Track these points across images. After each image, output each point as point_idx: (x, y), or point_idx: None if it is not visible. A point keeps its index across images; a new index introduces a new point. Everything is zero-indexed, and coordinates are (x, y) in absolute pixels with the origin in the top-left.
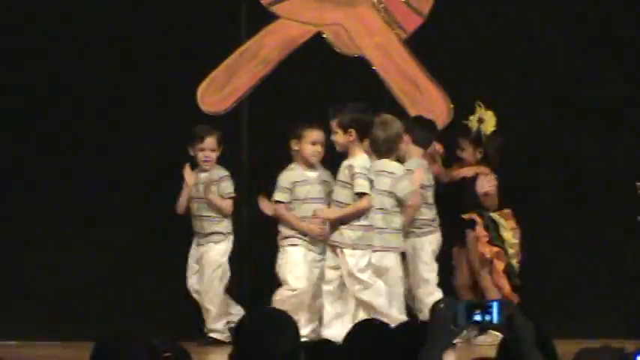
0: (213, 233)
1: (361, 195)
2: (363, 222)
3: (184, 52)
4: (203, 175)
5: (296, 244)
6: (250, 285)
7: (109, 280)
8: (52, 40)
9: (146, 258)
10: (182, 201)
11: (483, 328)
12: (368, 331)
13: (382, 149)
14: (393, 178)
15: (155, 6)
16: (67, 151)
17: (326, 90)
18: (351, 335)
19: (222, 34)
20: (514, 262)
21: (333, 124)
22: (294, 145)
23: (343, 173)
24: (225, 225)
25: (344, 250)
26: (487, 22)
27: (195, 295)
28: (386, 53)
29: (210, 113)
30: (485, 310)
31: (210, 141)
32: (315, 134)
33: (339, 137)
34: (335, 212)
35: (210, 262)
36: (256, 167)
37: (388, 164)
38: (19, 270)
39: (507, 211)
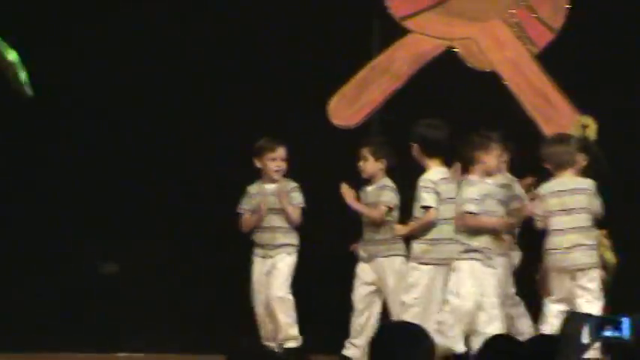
0: (284, 245)
1: (426, 208)
2: (428, 236)
3: (316, 67)
4: (271, 186)
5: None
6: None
7: (162, 293)
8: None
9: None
10: (254, 218)
11: (612, 343)
12: (500, 345)
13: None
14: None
15: (287, 21)
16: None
17: (456, 104)
18: (483, 350)
19: (354, 49)
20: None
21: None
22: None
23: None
24: (295, 236)
25: (410, 262)
26: (617, 38)
27: (260, 309)
28: (517, 68)
29: (341, 127)
30: (616, 325)
31: (281, 151)
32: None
33: (413, 150)
34: (405, 228)
35: (284, 273)
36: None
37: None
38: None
39: (605, 230)
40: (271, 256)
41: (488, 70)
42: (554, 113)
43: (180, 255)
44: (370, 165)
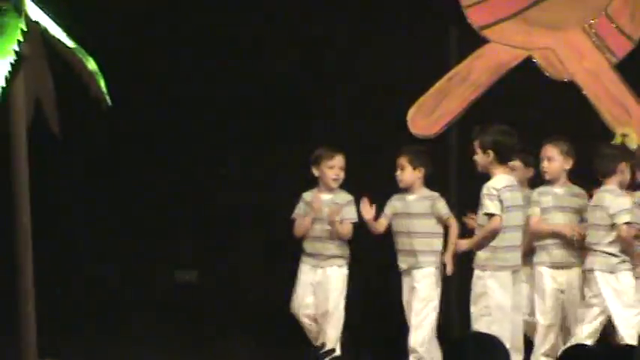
0: (335, 256)
1: (490, 216)
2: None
3: (394, 77)
4: (327, 196)
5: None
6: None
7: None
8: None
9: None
10: (307, 223)
11: None
12: (578, 356)
13: None
14: None
15: (366, 28)
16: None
17: (535, 114)
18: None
19: (432, 58)
20: None
21: (475, 143)
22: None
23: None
24: (346, 248)
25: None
26: None
27: (304, 319)
28: (596, 78)
29: (419, 137)
30: None
31: (340, 159)
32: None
33: (479, 157)
34: (468, 243)
35: (338, 285)
36: (464, 190)
37: None
38: None
39: None
40: (322, 267)
41: (566, 80)
42: (634, 123)
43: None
44: (408, 174)
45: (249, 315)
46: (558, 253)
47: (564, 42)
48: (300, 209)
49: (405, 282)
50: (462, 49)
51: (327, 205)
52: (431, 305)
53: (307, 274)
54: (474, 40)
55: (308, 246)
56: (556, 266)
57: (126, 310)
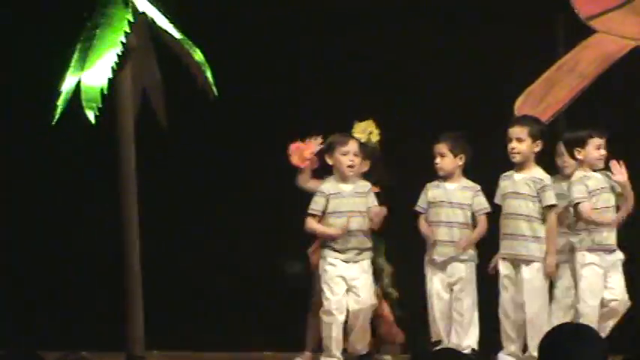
0: (366, 249)
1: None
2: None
3: (501, 66)
4: (348, 187)
5: None
6: None
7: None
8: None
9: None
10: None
11: None
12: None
13: None
14: None
15: (473, 18)
16: None
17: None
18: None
19: (539, 47)
20: None
21: (442, 147)
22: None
23: (529, 186)
24: (371, 239)
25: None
26: None
27: (337, 314)
28: None
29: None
30: None
31: (353, 144)
32: None
33: (449, 161)
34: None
35: (371, 281)
36: None
37: None
38: None
39: None
40: (356, 261)
41: None
42: None
43: None
44: (448, 162)
45: None
46: None
47: None
48: (318, 205)
49: (437, 274)
50: (570, 38)
51: (350, 196)
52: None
53: (339, 270)
54: (582, 29)
55: (338, 241)
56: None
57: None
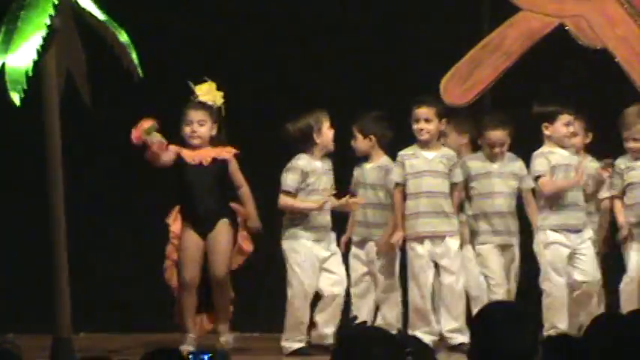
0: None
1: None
2: None
3: (427, 45)
4: (322, 163)
5: None
6: None
7: None
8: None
9: None
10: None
11: None
12: (608, 324)
13: None
14: None
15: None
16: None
17: (568, 82)
18: (591, 329)
19: (465, 27)
20: None
21: (355, 129)
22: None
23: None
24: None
25: None
26: None
27: (308, 297)
28: (628, 45)
29: (452, 105)
30: None
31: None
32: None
33: (360, 142)
34: None
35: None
36: None
37: None
38: None
39: None
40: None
41: (599, 48)
42: None
43: None
44: (360, 143)
45: None
46: None
47: (596, 9)
48: (294, 181)
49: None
50: (495, 17)
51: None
52: None
53: (312, 250)
54: (507, 8)
55: (313, 220)
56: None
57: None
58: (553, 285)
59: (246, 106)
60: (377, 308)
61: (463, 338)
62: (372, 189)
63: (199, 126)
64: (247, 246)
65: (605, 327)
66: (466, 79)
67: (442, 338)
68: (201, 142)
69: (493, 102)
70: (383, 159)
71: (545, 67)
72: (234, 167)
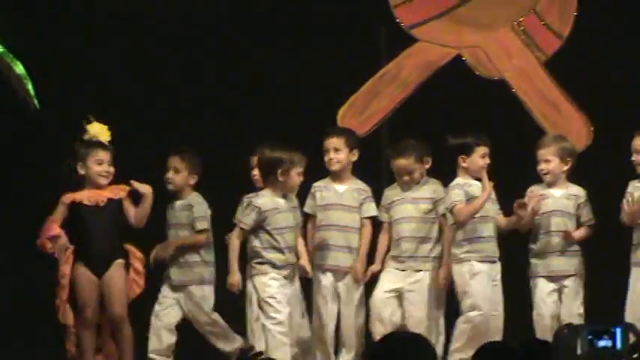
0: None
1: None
2: None
3: (324, 76)
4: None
5: None
6: None
7: None
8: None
9: None
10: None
11: (606, 356)
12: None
13: None
14: None
15: (294, 29)
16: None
17: (465, 113)
18: (479, 357)
19: (362, 58)
20: None
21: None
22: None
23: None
24: None
25: None
26: (627, 44)
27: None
28: (525, 76)
29: None
30: (610, 336)
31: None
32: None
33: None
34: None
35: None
36: None
37: None
38: None
39: None
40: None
41: (496, 79)
42: (563, 121)
43: None
44: (181, 177)
45: None
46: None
47: (493, 40)
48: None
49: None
50: (392, 48)
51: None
52: None
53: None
54: (404, 39)
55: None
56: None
57: None
58: (481, 315)
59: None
60: None
61: None
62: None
63: (108, 166)
64: (136, 288)
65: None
66: (364, 110)
67: None
68: (108, 181)
69: (390, 133)
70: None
71: (441, 99)
72: (128, 204)
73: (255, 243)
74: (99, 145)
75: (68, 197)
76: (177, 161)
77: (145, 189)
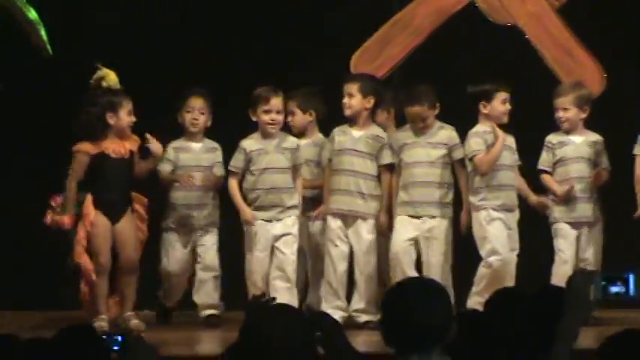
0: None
1: None
2: None
3: (337, 24)
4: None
5: None
6: None
7: None
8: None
9: None
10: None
11: (619, 300)
12: (508, 298)
13: None
14: None
15: None
16: None
17: (478, 59)
18: (491, 302)
19: (375, 4)
20: None
21: (293, 105)
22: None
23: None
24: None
25: None
26: None
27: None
28: (539, 22)
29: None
30: (623, 282)
31: (276, 102)
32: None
33: (299, 118)
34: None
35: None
36: None
37: None
38: None
39: None
40: (279, 219)
41: (509, 24)
42: (577, 67)
43: None
44: (299, 119)
45: None
46: None
47: None
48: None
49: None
50: None
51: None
52: None
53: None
54: None
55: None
56: None
57: None
58: (500, 260)
59: None
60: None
61: (367, 317)
62: (307, 165)
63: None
64: (141, 234)
65: (503, 302)
66: (376, 57)
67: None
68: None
69: (402, 80)
70: (318, 136)
71: (454, 45)
72: (136, 156)
73: (244, 184)
74: (127, 95)
75: (89, 147)
76: (201, 102)
77: (158, 148)
